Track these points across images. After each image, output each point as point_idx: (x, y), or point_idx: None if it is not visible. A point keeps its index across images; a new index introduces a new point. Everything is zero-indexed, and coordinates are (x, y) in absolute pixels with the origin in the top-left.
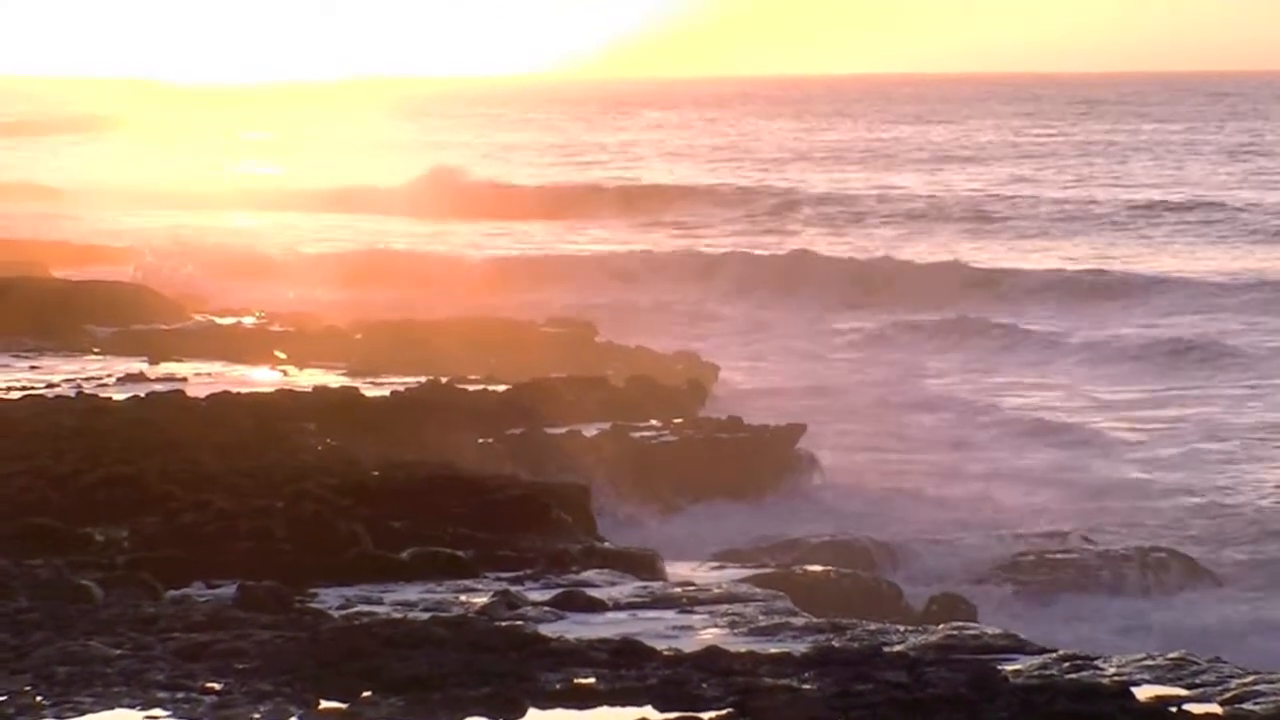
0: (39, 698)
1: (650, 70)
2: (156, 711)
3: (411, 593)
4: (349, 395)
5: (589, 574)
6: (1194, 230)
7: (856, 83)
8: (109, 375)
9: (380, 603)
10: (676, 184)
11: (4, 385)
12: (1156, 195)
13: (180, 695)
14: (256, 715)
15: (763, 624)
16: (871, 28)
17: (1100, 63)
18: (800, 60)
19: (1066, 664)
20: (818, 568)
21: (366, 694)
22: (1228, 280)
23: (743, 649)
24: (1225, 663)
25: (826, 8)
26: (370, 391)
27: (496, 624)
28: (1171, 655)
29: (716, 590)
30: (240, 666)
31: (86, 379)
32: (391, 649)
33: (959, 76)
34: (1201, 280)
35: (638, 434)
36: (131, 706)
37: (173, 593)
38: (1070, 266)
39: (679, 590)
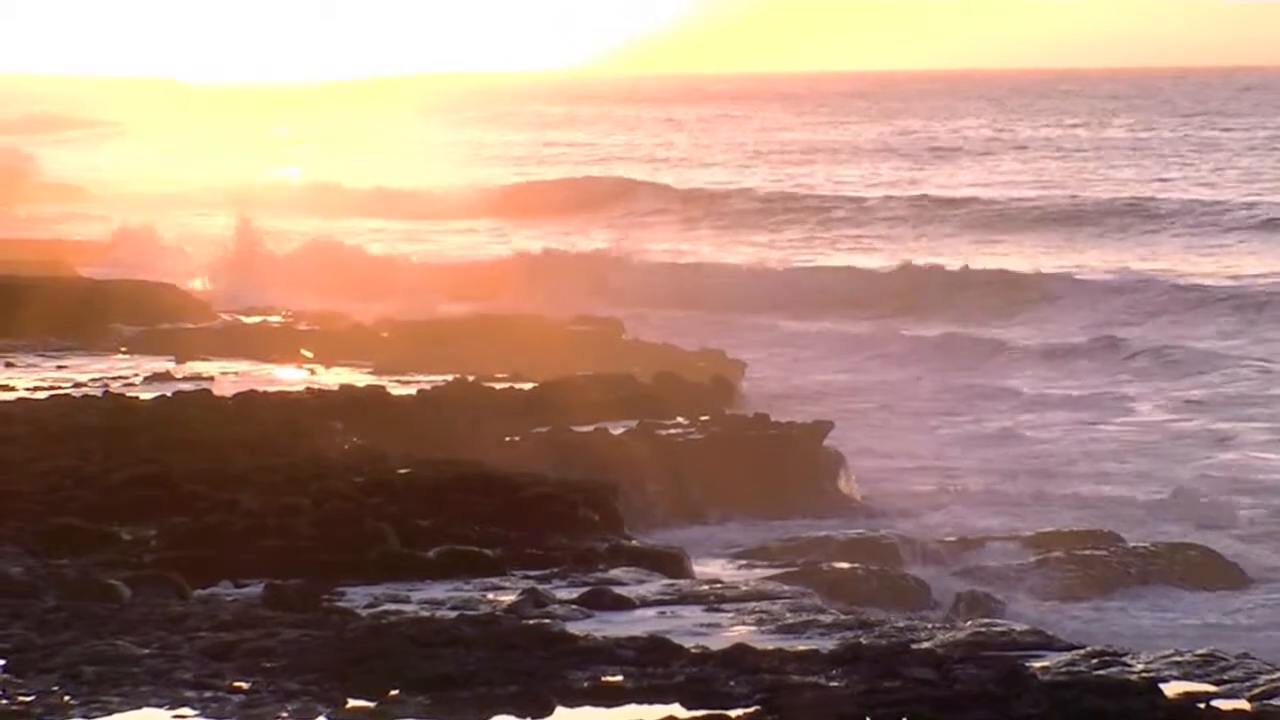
0: (67, 697)
1: (674, 66)
2: (184, 710)
3: (439, 591)
4: (376, 394)
5: (616, 572)
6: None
7: (880, 79)
8: (136, 374)
9: (407, 601)
10: (721, 186)
11: (31, 384)
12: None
13: (208, 694)
14: (284, 714)
15: (790, 621)
16: (890, 25)
17: (1122, 59)
18: (821, 57)
19: (1094, 660)
20: (845, 564)
21: (394, 692)
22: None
23: (770, 646)
24: (1254, 659)
25: (847, 4)
26: (397, 390)
27: (524, 622)
28: (1200, 651)
29: (744, 587)
30: (268, 665)
31: (113, 378)
32: (419, 647)
33: (978, 73)
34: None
35: (664, 431)
36: (159, 706)
37: (200, 592)
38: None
39: (706, 588)
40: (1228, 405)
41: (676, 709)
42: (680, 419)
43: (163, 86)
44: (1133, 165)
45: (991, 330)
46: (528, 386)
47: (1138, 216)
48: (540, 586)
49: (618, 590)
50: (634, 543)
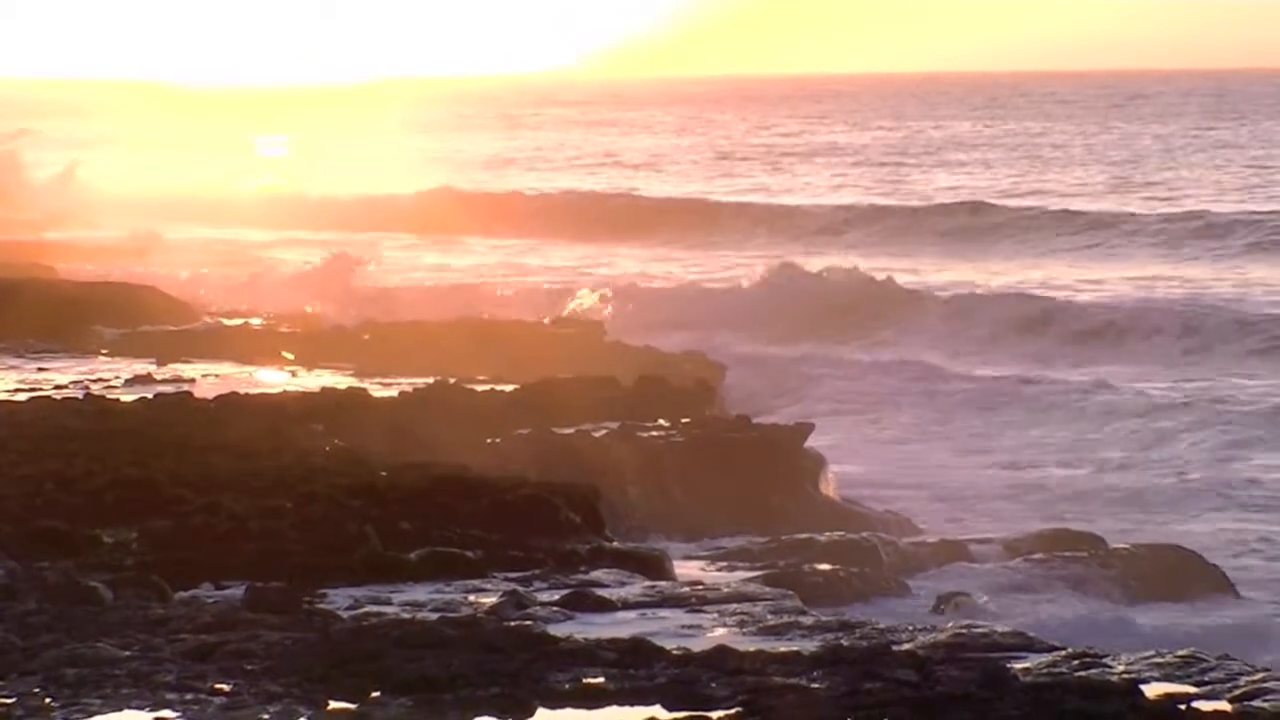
0: (48, 699)
1: (666, 69)
2: (165, 713)
3: (420, 593)
4: (357, 396)
5: (598, 574)
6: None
7: (877, 81)
8: (117, 377)
9: (389, 603)
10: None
11: (12, 387)
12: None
13: (189, 696)
14: (266, 716)
15: (771, 623)
16: (891, 26)
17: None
18: (815, 59)
19: (1075, 662)
20: (826, 566)
21: (375, 694)
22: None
23: (751, 648)
24: (1234, 660)
25: (840, 5)
26: (378, 392)
27: (506, 624)
28: (1180, 653)
29: (725, 589)
30: (249, 667)
31: (94, 380)
32: (401, 649)
33: (975, 75)
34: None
35: (646, 434)
36: (140, 708)
37: (181, 594)
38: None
39: (687, 590)
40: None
41: (658, 710)
42: (662, 421)
43: (155, 89)
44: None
45: (965, 338)
46: (510, 388)
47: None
48: (522, 588)
49: (599, 592)
50: (615, 544)
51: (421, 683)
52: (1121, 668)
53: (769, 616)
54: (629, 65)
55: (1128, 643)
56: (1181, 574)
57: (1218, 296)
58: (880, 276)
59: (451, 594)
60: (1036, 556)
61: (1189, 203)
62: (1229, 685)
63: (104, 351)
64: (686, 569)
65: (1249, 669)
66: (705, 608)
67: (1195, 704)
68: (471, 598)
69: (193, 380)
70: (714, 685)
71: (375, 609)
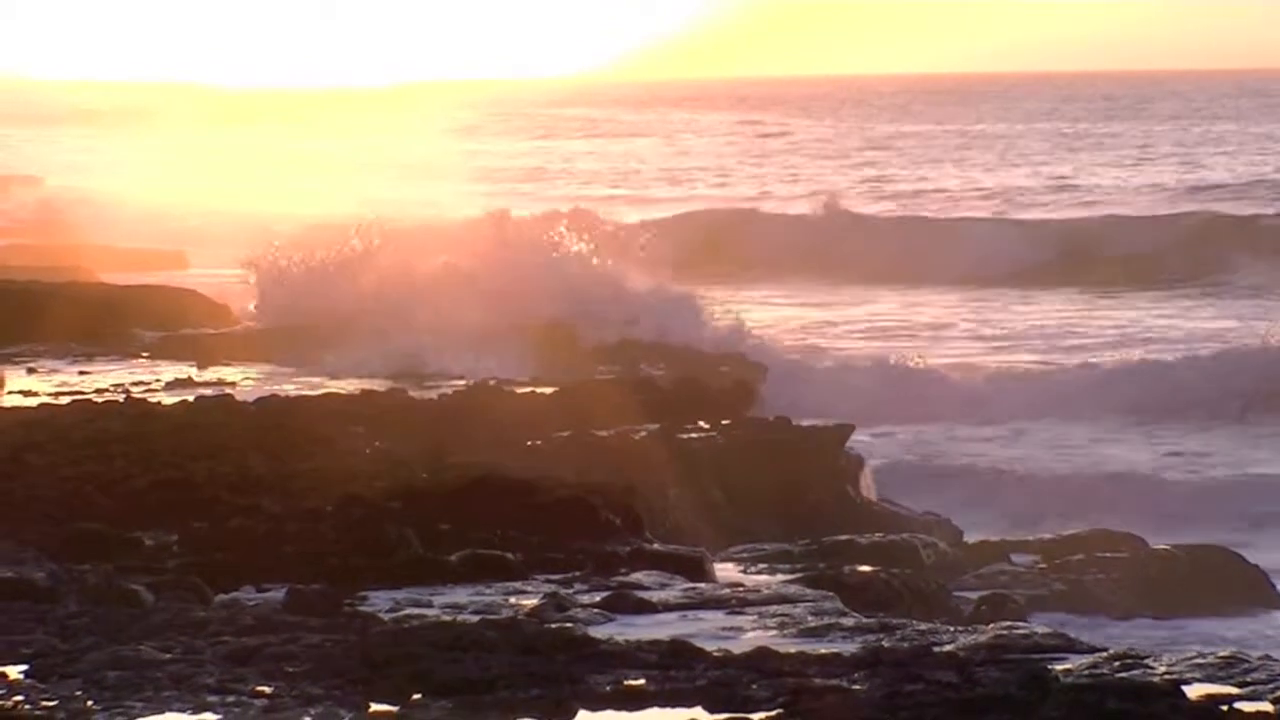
0: (90, 702)
1: (693, 71)
2: (207, 715)
3: (461, 595)
4: (397, 398)
5: (637, 575)
6: None
7: (915, 82)
8: (157, 380)
9: (430, 605)
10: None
11: (52, 390)
12: None
13: (230, 699)
14: (307, 718)
15: (812, 625)
16: (920, 27)
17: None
18: (849, 60)
19: (1117, 663)
20: (867, 568)
21: (416, 696)
22: None
23: (792, 650)
24: (1276, 660)
25: (871, 7)
26: (418, 394)
27: (546, 626)
28: (1222, 654)
29: (765, 591)
30: (290, 670)
31: (134, 383)
32: (441, 652)
33: (1006, 76)
34: None
35: (685, 435)
36: (182, 710)
37: (222, 596)
38: None
39: (728, 591)
40: None
41: (699, 712)
42: (701, 423)
43: (192, 91)
44: None
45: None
46: (549, 391)
47: None
48: (562, 590)
49: (639, 594)
50: (655, 546)
51: (462, 685)
52: (1163, 669)
53: (809, 618)
54: (661, 67)
55: (1169, 644)
56: (1223, 575)
57: None
58: None
59: (492, 596)
60: (1078, 557)
61: None
62: (1271, 686)
63: (144, 354)
64: (726, 570)
65: None
66: (745, 609)
67: (1237, 705)
68: (512, 600)
69: (233, 383)
70: (755, 687)
71: (416, 611)
